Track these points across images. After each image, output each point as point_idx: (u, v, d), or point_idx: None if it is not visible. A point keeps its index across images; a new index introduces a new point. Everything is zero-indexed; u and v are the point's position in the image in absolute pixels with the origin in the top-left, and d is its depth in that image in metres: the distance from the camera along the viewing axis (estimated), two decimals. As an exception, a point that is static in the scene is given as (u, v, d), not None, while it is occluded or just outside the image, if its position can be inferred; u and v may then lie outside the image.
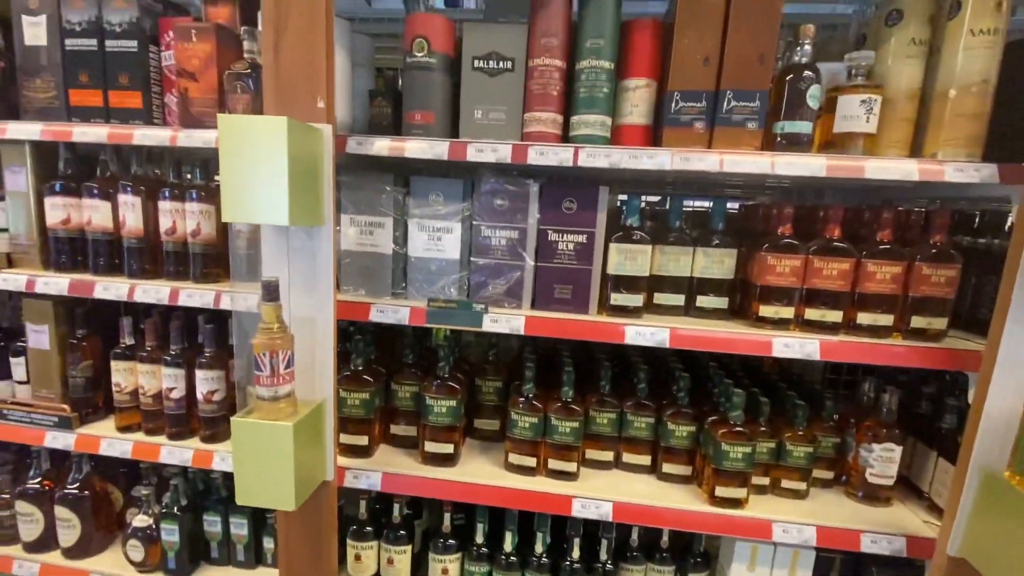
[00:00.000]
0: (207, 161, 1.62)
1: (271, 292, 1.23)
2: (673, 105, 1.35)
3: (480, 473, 1.57)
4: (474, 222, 1.47)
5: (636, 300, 1.45)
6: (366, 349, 1.61)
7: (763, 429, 1.51)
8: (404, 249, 1.51)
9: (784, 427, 1.53)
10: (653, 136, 1.44)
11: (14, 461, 1.99)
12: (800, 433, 1.51)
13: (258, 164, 1.10)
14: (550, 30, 1.36)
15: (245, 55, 1.43)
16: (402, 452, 1.68)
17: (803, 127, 1.32)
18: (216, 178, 1.65)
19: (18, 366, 1.77)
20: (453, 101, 1.45)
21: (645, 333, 1.37)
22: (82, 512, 1.80)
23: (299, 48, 1.24)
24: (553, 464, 1.56)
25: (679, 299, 1.51)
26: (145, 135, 1.47)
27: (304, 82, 1.26)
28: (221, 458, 1.62)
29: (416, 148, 1.37)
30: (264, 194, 1.12)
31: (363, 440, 1.60)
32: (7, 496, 1.86)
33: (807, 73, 1.30)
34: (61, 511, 1.80)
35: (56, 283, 1.59)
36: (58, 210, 1.60)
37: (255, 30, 1.43)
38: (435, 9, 2.06)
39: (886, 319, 1.37)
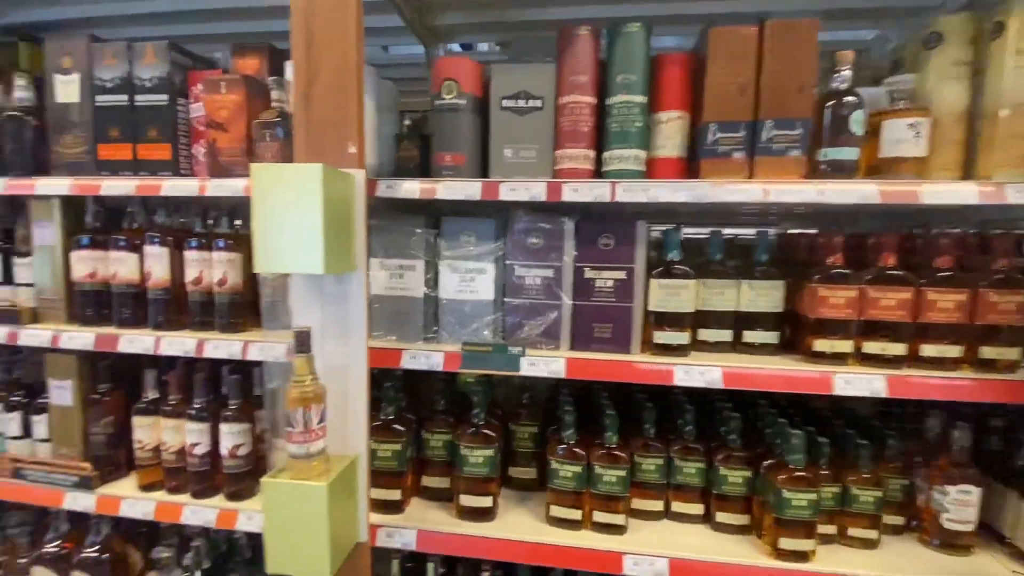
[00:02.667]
0: (234, 209, 1.61)
1: (303, 343, 1.18)
2: (710, 136, 1.32)
3: (520, 528, 1.47)
4: (507, 262, 1.42)
5: (681, 338, 1.37)
6: (396, 396, 1.54)
7: (825, 473, 1.40)
8: (435, 292, 1.47)
9: (847, 470, 1.42)
10: (688, 168, 1.41)
11: (33, 521, 1.92)
12: (866, 476, 1.40)
13: (292, 213, 1.07)
14: (579, 67, 1.35)
15: (273, 104, 1.43)
16: (435, 506, 1.59)
17: (849, 153, 1.27)
18: (239, 225, 1.63)
19: (39, 424, 1.73)
20: (482, 142, 1.43)
21: (694, 373, 1.30)
22: (101, 577, 1.72)
23: (330, 95, 1.24)
24: (599, 516, 1.45)
25: (726, 335, 1.43)
26: (174, 186, 1.46)
27: (335, 128, 1.24)
28: (247, 517, 1.53)
29: (447, 189, 1.35)
30: (298, 243, 1.08)
31: (395, 495, 1.51)
32: (24, 560, 1.78)
33: (849, 99, 1.26)
34: (79, 577, 1.71)
35: (81, 338, 1.56)
36: (85, 263, 1.58)
37: (284, 80, 1.44)
38: (454, 53, 2.08)
39: (954, 351, 1.28)
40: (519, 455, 1.67)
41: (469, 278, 1.44)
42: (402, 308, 1.47)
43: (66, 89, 1.55)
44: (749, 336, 1.43)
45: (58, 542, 1.76)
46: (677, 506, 1.53)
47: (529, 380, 1.71)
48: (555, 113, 1.38)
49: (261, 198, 1.08)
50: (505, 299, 1.43)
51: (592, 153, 1.38)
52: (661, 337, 1.38)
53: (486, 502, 1.49)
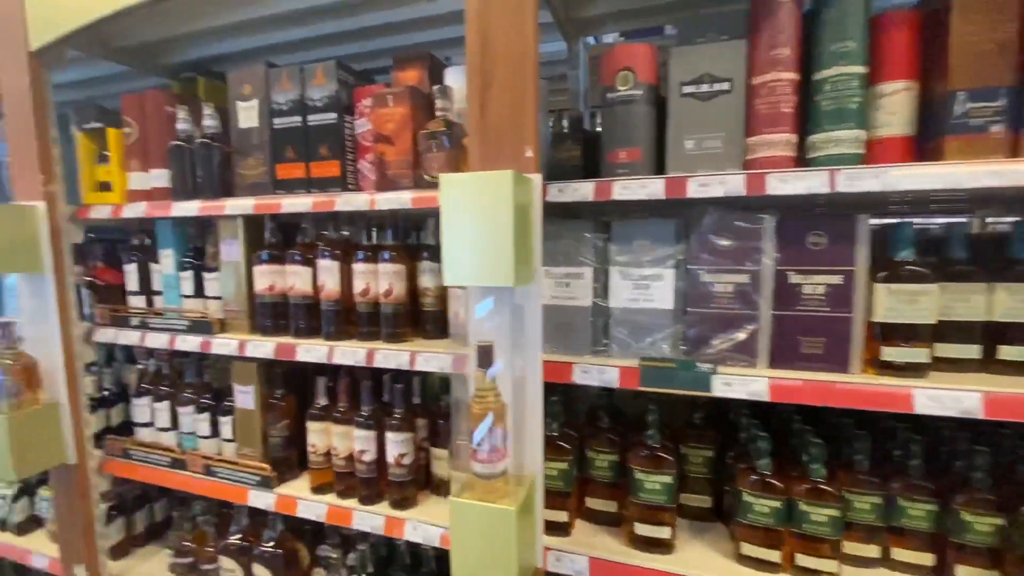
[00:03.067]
0: (396, 222, 1.64)
1: (486, 357, 1.13)
2: (957, 108, 1.07)
3: (705, 564, 1.31)
4: (690, 267, 1.28)
5: (919, 355, 1.13)
6: (560, 411, 1.46)
7: (1124, 530, 1.09)
8: (605, 301, 1.36)
9: None
10: (917, 149, 1.16)
11: (216, 513, 2.11)
12: None
13: (482, 222, 1.02)
14: (780, 40, 1.16)
15: (438, 113, 1.42)
16: (601, 530, 1.48)
17: None
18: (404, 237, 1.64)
19: (226, 425, 1.88)
20: (657, 134, 1.30)
21: (943, 399, 1.06)
22: (276, 570, 1.83)
23: (507, 98, 1.18)
24: (804, 560, 1.25)
25: (972, 351, 1.17)
26: (346, 201, 1.50)
27: (512, 132, 1.18)
28: (413, 527, 1.53)
29: (625, 188, 1.23)
30: (488, 254, 1.03)
31: (562, 516, 1.43)
32: (212, 549, 1.96)
33: None
34: (259, 569, 1.84)
35: (263, 347, 1.66)
36: (265, 277, 1.69)
37: (447, 88, 1.42)
38: (606, 45, 1.97)
39: None
40: (690, 481, 1.51)
41: (644, 285, 1.31)
42: (568, 319, 1.38)
43: (247, 114, 1.66)
44: (1006, 352, 1.15)
45: (240, 535, 1.91)
46: (899, 553, 1.28)
47: (700, 398, 1.55)
48: (747, 95, 1.21)
49: (450, 209, 1.04)
50: (688, 309, 1.29)
51: (794, 138, 1.19)
52: (891, 354, 1.14)
53: (663, 532, 1.35)
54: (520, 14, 1.15)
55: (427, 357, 1.46)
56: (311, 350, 1.60)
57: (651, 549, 1.36)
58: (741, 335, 1.24)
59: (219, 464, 1.83)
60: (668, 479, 1.34)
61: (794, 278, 1.20)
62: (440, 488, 1.68)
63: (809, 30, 1.18)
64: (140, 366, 2.07)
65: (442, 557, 1.79)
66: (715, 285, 1.25)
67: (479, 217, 1.02)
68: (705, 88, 1.23)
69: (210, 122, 1.71)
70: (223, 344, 1.72)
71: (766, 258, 1.21)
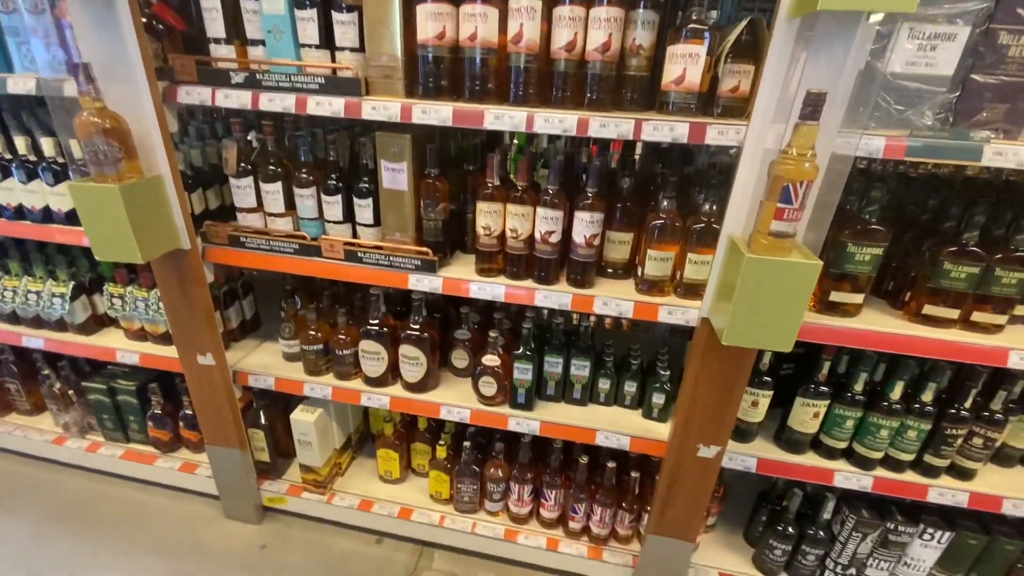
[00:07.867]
0: None
1: (815, 107, 1.03)
2: None
3: (884, 323, 1.50)
4: (992, 25, 1.18)
5: None
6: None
7: None
8: (878, 64, 1.25)
9: None
10: None
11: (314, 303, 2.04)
12: None
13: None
14: None
15: None
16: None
17: None
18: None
19: (363, 208, 1.69)
20: None
21: None
22: (425, 350, 1.86)
23: None
24: (978, 316, 1.46)
25: None
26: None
27: None
28: (603, 303, 1.57)
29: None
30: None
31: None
32: (344, 336, 1.92)
33: None
34: (408, 349, 1.86)
35: (437, 112, 1.42)
36: (432, 21, 1.36)
37: None
38: None
39: None
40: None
41: (930, 47, 1.21)
42: (822, 85, 1.28)
43: None
44: None
45: (379, 321, 1.87)
46: (1042, 311, 1.52)
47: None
48: None
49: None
50: (971, 75, 1.22)
51: None
52: None
53: (858, 299, 1.50)
54: None
55: (656, 125, 1.33)
56: (503, 116, 1.39)
57: (837, 312, 1.52)
58: (1015, 104, 1.22)
59: (367, 250, 1.69)
60: (879, 251, 1.43)
61: (1099, 42, 1.15)
62: (609, 270, 1.70)
63: None
64: (233, 139, 1.72)
65: (593, 333, 1.90)
66: (1011, 49, 1.18)
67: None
68: None
69: None
70: (378, 108, 1.44)
71: (1084, 16, 1.14)
